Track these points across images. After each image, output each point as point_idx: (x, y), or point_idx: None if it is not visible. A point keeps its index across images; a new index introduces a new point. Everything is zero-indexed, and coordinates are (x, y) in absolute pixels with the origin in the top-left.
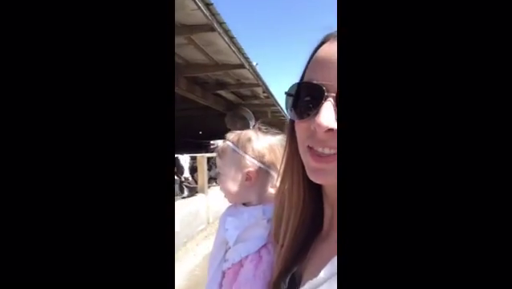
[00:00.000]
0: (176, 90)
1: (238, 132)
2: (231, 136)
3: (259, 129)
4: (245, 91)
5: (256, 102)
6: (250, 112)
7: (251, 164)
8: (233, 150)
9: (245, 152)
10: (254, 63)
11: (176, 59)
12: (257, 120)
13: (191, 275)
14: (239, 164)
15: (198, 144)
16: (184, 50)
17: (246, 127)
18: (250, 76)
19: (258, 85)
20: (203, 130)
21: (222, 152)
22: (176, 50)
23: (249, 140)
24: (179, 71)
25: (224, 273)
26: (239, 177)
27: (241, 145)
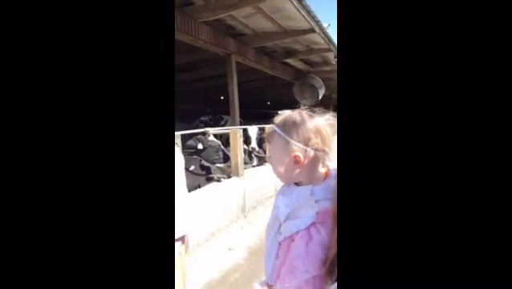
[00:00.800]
0: (244, 61)
1: (285, 114)
2: (277, 119)
3: (304, 111)
4: (314, 58)
5: (327, 68)
6: (320, 80)
7: (297, 148)
8: (279, 135)
9: (291, 137)
10: (326, 25)
11: (245, 30)
12: (327, 88)
13: (262, 236)
14: (286, 149)
15: (266, 115)
16: (252, 20)
17: (315, 95)
18: (321, 41)
19: (329, 50)
20: (271, 100)
21: (269, 137)
22: (244, 20)
23: (294, 124)
24: (247, 43)
25: (279, 244)
26: (287, 160)
27: (286, 130)
